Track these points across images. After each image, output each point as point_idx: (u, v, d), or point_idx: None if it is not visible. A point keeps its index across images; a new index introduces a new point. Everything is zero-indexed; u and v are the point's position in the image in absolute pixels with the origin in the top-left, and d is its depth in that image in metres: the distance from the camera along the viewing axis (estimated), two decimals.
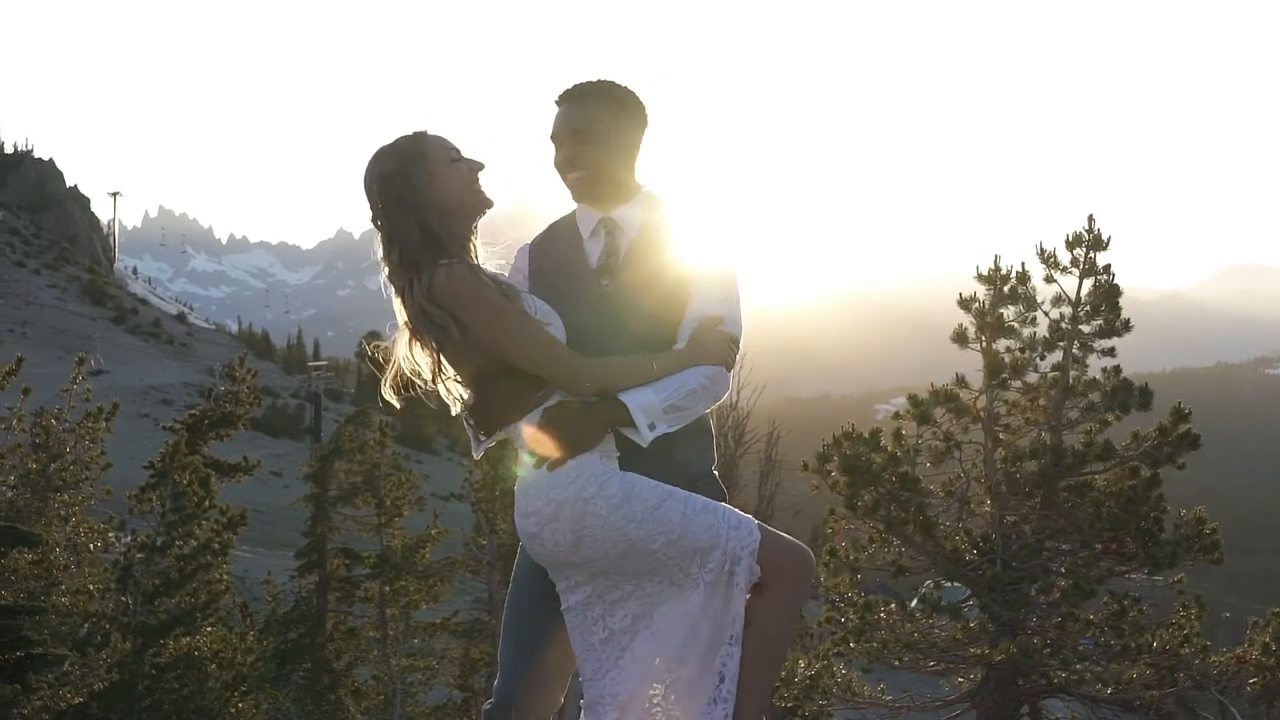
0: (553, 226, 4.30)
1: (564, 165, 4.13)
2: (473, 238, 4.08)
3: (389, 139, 4.04)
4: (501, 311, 3.80)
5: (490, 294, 3.82)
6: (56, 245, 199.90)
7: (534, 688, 4.19)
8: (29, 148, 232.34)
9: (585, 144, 4.07)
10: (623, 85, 4.16)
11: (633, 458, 3.92)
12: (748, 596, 3.87)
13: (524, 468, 3.95)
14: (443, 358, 3.94)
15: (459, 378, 3.99)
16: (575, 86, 4.13)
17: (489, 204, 4.08)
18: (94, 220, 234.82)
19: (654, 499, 3.81)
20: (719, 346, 4.04)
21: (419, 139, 3.99)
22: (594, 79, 4.15)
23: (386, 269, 4.03)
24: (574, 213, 4.27)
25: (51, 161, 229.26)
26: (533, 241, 4.30)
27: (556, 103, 4.15)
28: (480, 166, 4.05)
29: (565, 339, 3.92)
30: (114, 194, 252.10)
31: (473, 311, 3.78)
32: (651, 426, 3.86)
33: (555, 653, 4.20)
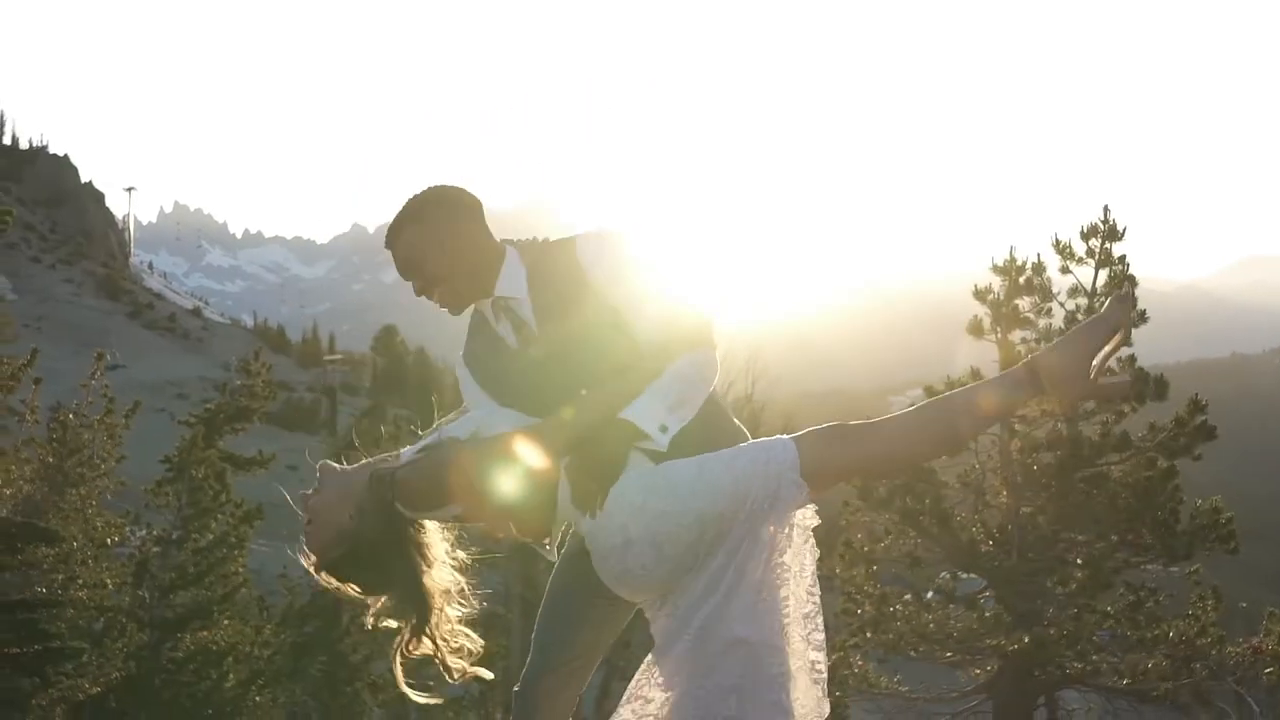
0: (469, 335, 4.32)
1: (421, 293, 4.17)
2: None
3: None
4: (439, 482, 3.84)
5: (412, 477, 3.87)
6: (72, 241, 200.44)
7: (560, 679, 4.25)
8: (44, 143, 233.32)
9: (421, 271, 4.09)
10: (426, 192, 4.17)
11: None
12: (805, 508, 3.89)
13: (583, 528, 3.92)
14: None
15: (490, 527, 4.01)
16: (390, 226, 4.16)
17: None
18: (109, 216, 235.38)
19: (693, 468, 3.81)
20: (684, 333, 4.02)
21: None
22: (403, 205, 4.15)
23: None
24: (473, 310, 4.27)
25: (66, 157, 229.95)
26: (463, 355, 4.31)
27: (386, 246, 4.20)
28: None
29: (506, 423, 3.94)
30: (129, 189, 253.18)
31: (418, 491, 3.86)
32: (664, 429, 3.86)
33: (591, 639, 4.28)
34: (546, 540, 4.02)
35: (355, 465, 4.05)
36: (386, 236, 4.14)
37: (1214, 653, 14.45)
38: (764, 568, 3.83)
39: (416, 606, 3.95)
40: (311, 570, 3.96)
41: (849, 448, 3.93)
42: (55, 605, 12.39)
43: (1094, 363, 3.79)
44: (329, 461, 4.06)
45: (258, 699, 17.98)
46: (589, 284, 4.04)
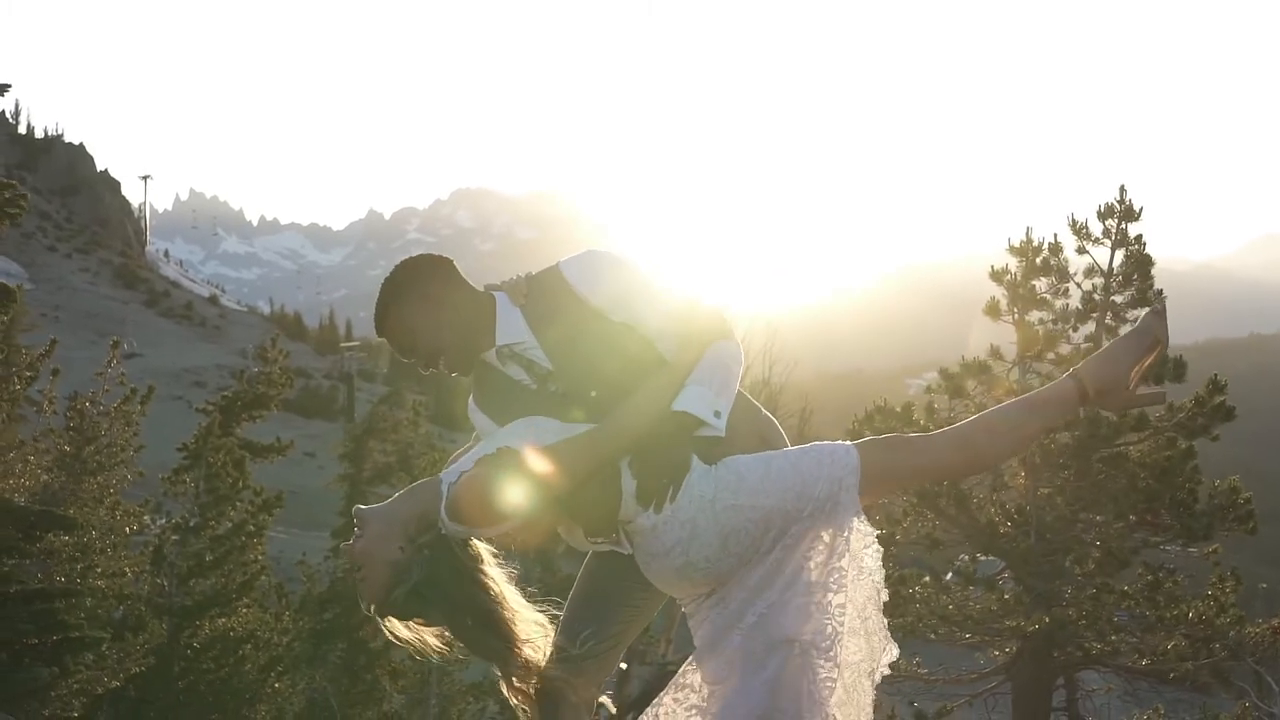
0: (476, 384, 4.29)
1: (426, 369, 4.18)
2: None
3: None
4: (533, 466, 3.76)
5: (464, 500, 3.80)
6: (88, 229, 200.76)
7: (596, 656, 4.25)
8: (59, 132, 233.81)
9: (417, 349, 4.11)
10: (397, 272, 4.18)
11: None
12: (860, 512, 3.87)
13: (637, 527, 3.91)
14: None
15: (553, 529, 4.02)
16: (375, 316, 4.16)
17: None
18: (125, 204, 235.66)
19: (761, 465, 3.84)
20: (706, 323, 4.03)
21: None
22: (380, 291, 4.16)
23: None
24: (482, 359, 4.24)
25: (82, 146, 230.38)
26: (474, 404, 4.28)
27: (379, 337, 4.22)
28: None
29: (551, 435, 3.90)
30: (145, 177, 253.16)
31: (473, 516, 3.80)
32: (717, 414, 3.89)
33: (623, 625, 4.30)
34: (613, 536, 3.98)
35: (392, 499, 4.00)
36: (375, 325, 4.17)
37: (1233, 633, 14.43)
38: (820, 570, 3.87)
39: (499, 631, 3.90)
40: (380, 624, 3.92)
41: (910, 458, 3.99)
42: (74, 595, 12.39)
43: (1133, 374, 3.87)
44: (361, 506, 3.99)
45: (276, 686, 18.02)
46: (589, 304, 4.04)
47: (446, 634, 3.94)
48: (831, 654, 3.85)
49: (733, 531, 3.77)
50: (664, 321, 4.03)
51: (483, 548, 3.93)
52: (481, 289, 4.21)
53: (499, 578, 3.94)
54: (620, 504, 3.85)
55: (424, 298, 4.10)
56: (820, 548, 3.85)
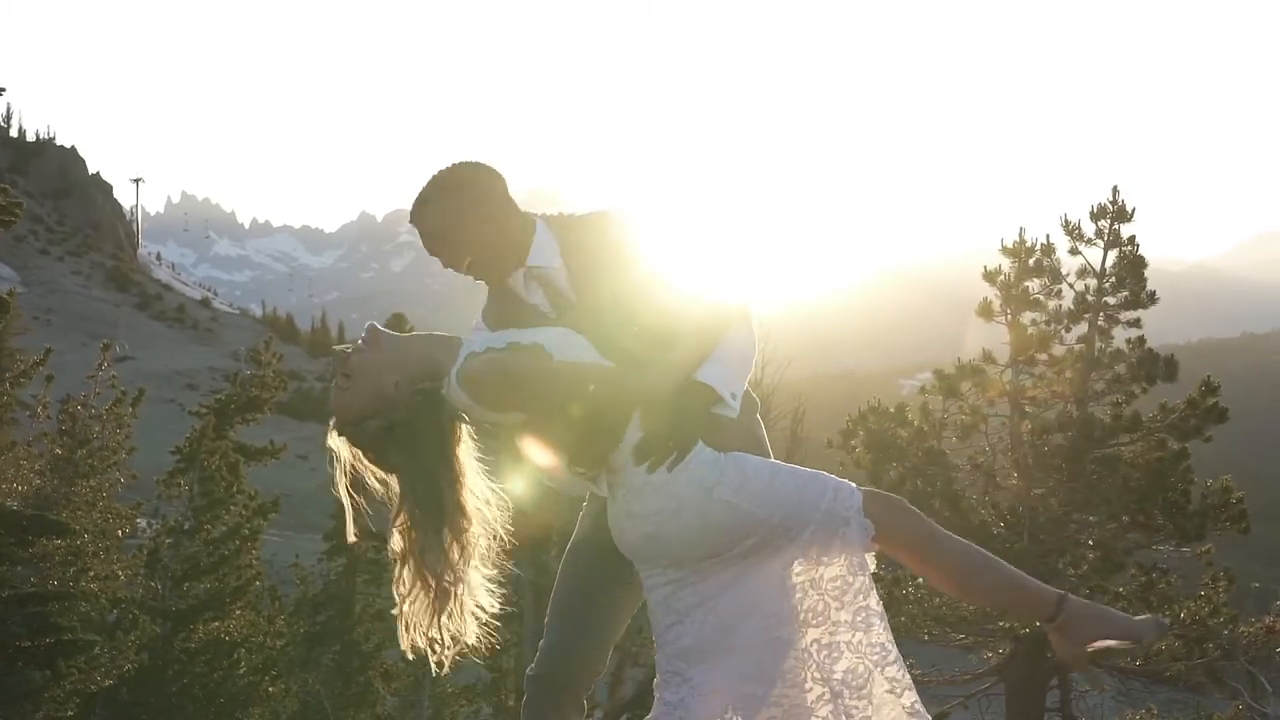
0: (490, 303, 4.25)
1: (451, 266, 4.13)
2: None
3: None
4: (558, 373, 3.73)
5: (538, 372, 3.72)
6: (80, 232, 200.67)
7: (577, 658, 4.25)
8: (51, 135, 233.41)
9: (449, 243, 4.06)
10: (451, 167, 4.14)
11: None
12: (871, 554, 3.86)
13: (624, 478, 3.89)
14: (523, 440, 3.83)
15: (539, 442, 3.89)
16: (416, 200, 4.13)
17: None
18: (117, 207, 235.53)
19: (767, 473, 3.80)
20: (732, 307, 4.02)
21: None
22: (429, 180, 4.12)
23: None
24: (502, 284, 4.21)
25: (73, 149, 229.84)
26: (483, 316, 4.23)
27: (411, 223, 4.17)
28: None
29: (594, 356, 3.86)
30: (136, 180, 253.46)
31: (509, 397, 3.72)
32: (734, 395, 3.89)
33: (600, 627, 4.26)
34: (597, 475, 3.91)
35: (410, 335, 3.96)
36: (412, 211, 4.12)
37: (1226, 633, 14.45)
38: (848, 609, 3.84)
39: (441, 510, 3.80)
40: (331, 430, 3.81)
41: (908, 530, 3.93)
42: (67, 598, 12.40)
43: (1099, 642, 3.83)
44: (376, 324, 3.92)
45: (270, 689, 18.03)
46: (626, 255, 4.05)
47: (383, 482, 3.85)
48: (865, 692, 3.82)
49: (716, 525, 3.73)
50: (693, 289, 4.01)
51: (467, 432, 3.87)
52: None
53: (469, 470, 3.86)
54: (617, 448, 3.81)
55: (473, 193, 4.08)
56: (836, 580, 3.83)
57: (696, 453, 3.76)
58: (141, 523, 19.18)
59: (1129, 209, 15.12)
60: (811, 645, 3.84)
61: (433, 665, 3.90)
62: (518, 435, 3.82)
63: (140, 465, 18.25)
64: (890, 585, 15.11)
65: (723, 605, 3.81)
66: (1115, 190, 15.28)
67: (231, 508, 17.36)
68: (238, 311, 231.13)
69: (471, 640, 3.88)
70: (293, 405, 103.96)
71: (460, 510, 3.83)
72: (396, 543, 3.87)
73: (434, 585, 3.82)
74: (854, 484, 3.89)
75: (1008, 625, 14.74)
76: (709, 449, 3.78)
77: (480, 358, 3.70)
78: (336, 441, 3.82)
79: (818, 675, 3.83)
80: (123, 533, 17.39)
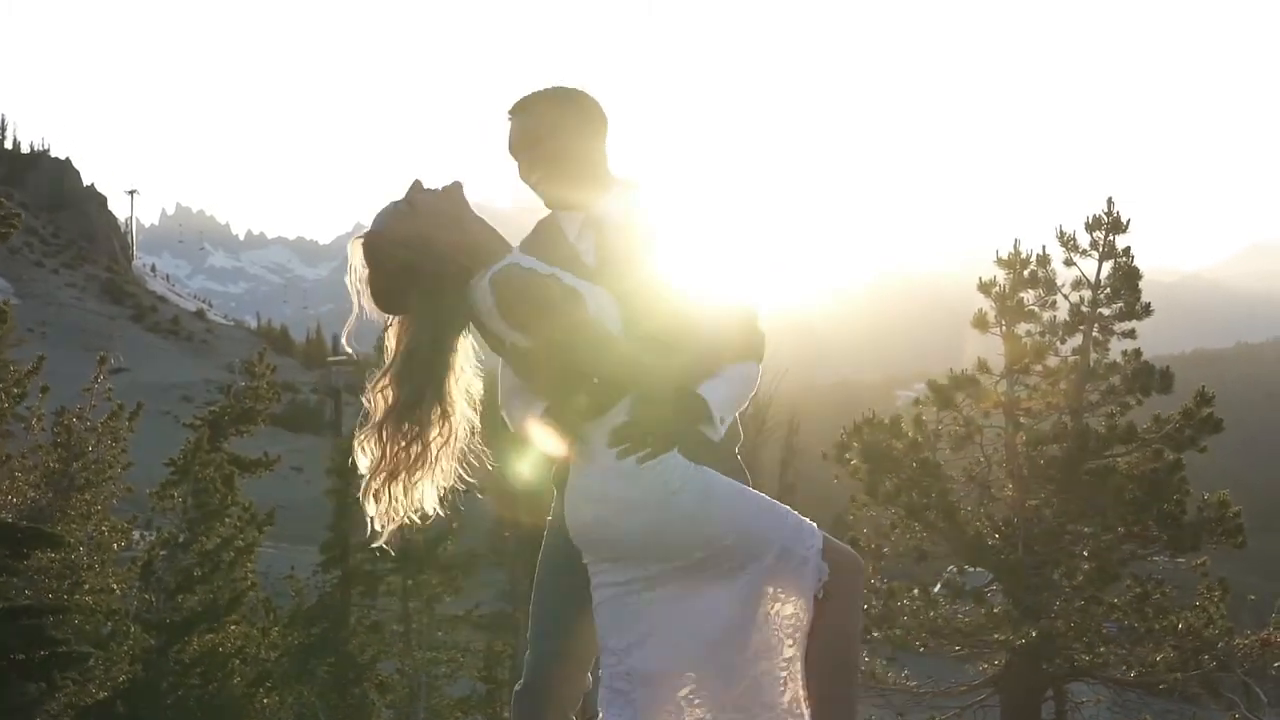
0: (538, 229, 4.22)
1: (525, 173, 4.10)
2: None
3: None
4: (584, 324, 3.70)
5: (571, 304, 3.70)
6: (75, 244, 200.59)
7: (565, 669, 4.21)
8: (46, 147, 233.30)
9: (536, 147, 4.02)
10: (569, 86, 4.13)
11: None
12: (816, 598, 3.82)
13: (593, 456, 3.89)
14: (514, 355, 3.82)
15: (531, 377, 3.90)
16: (523, 97, 4.10)
17: None
18: (111, 219, 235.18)
19: (731, 495, 3.80)
20: (753, 339, 4.04)
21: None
22: (544, 86, 4.12)
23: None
24: (554, 215, 4.20)
25: (68, 161, 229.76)
26: (521, 244, 4.14)
27: (508, 117, 4.11)
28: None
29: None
30: (131, 192, 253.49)
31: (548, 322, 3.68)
32: (721, 421, 3.87)
33: (586, 634, 4.18)
34: (568, 439, 3.89)
35: (475, 217, 3.90)
36: (515, 104, 4.09)
37: (1222, 644, 14.45)
38: (746, 630, 3.84)
39: (435, 377, 3.79)
40: (359, 238, 3.82)
41: (852, 593, 3.90)
42: (61, 611, 12.38)
43: None
44: (462, 184, 3.94)
45: (265, 701, 17.99)
46: (682, 247, 4.04)
47: (379, 322, 3.85)
48: (800, 713, 3.85)
49: (668, 530, 3.73)
50: (727, 311, 4.02)
51: (472, 346, 3.89)
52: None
53: (464, 366, 3.86)
54: (598, 420, 3.81)
55: (584, 113, 4.09)
56: (790, 617, 3.82)
57: (670, 456, 3.75)
58: (136, 535, 19.15)
59: (1123, 220, 15.15)
60: (762, 676, 3.84)
61: (377, 524, 3.84)
62: (516, 360, 3.82)
63: (135, 477, 18.20)
64: (886, 597, 15.11)
65: (675, 631, 3.82)
66: (1110, 202, 15.31)
67: (226, 520, 17.32)
68: (232, 323, 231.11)
69: (429, 509, 3.85)
70: (287, 417, 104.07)
71: (448, 384, 3.82)
72: (377, 404, 3.81)
73: (409, 440, 3.80)
74: (816, 526, 3.88)
75: (1003, 637, 14.73)
76: (681, 457, 3.77)
77: (523, 271, 3.70)
78: (358, 249, 3.81)
79: (764, 702, 3.83)
80: (118, 546, 17.36)
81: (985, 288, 15.58)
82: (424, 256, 3.74)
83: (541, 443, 3.87)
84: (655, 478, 3.73)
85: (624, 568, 3.85)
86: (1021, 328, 15.33)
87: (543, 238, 4.16)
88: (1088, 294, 15.18)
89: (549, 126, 4.01)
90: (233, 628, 17.41)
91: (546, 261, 3.88)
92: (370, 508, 3.81)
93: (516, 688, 4.29)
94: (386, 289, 3.81)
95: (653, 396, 3.80)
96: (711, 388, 3.87)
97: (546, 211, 4.20)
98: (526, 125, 4.03)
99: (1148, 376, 14.53)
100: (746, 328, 4.03)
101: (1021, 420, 15.19)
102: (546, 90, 4.09)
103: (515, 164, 4.12)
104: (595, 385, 3.78)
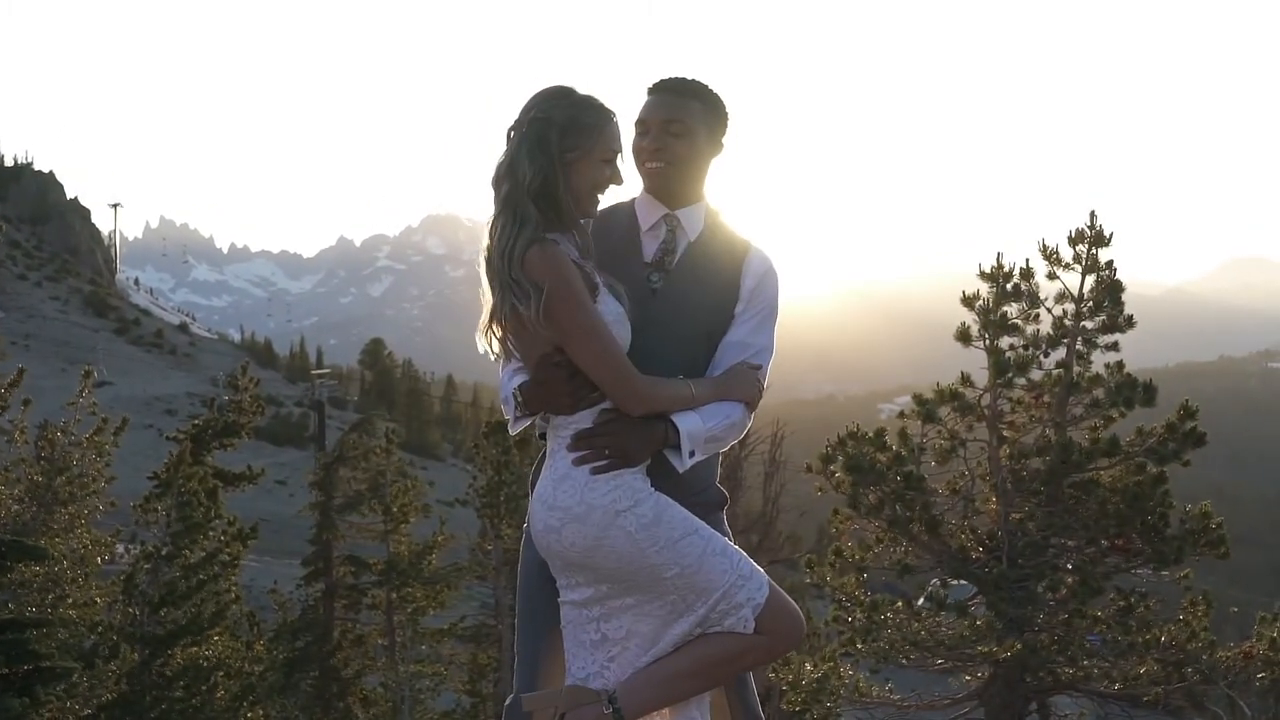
0: (611, 210, 4.23)
1: (646, 152, 4.12)
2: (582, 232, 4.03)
3: (586, 90, 4.02)
4: (582, 307, 3.75)
5: (577, 285, 3.76)
6: (58, 257, 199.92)
7: (554, 682, 4.17)
8: (29, 160, 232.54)
9: (675, 137, 4.07)
10: (717, 92, 4.17)
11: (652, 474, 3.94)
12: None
13: (554, 460, 3.93)
14: (510, 326, 3.88)
15: (518, 351, 3.95)
16: (676, 79, 4.14)
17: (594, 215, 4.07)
18: (95, 232, 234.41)
19: (680, 529, 3.82)
20: (752, 384, 4.07)
21: (605, 117, 3.97)
22: (703, 84, 4.16)
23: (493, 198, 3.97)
24: (634, 201, 4.25)
25: (51, 174, 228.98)
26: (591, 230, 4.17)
27: (651, 90, 4.14)
28: (619, 181, 4.02)
29: (627, 346, 3.88)
30: (114, 205, 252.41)
31: (553, 297, 3.71)
32: (691, 454, 3.89)
33: None
34: (539, 421, 4.00)
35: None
36: (678, 83, 4.14)
37: (1205, 657, 14.47)
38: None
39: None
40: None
41: (776, 652, 4.04)
42: (45, 624, 12.35)
43: None
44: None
45: (249, 715, 17.98)
46: (733, 288, 4.14)
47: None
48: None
49: (609, 550, 3.76)
50: (733, 343, 4.12)
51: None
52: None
53: None
54: (567, 416, 3.87)
55: (719, 124, 4.18)
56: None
57: (628, 473, 3.79)
58: (120, 548, 19.12)
59: (1106, 234, 15.16)
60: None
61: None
62: (523, 321, 3.83)
63: (118, 490, 18.20)
64: (868, 610, 15.11)
65: (634, 660, 3.89)
66: (1093, 215, 15.32)
67: (209, 533, 17.32)
68: (216, 337, 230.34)
69: None
70: (270, 430, 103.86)
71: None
72: None
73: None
74: (767, 581, 3.93)
75: (986, 650, 14.74)
76: (638, 478, 3.81)
77: (564, 257, 3.81)
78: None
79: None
80: (102, 559, 17.33)
81: (969, 301, 15.59)
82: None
83: (585, 444, 3.87)
84: (604, 494, 3.78)
85: (579, 587, 3.92)
86: (1005, 341, 15.34)
87: (613, 218, 4.23)
88: (1071, 307, 15.19)
89: (692, 126, 4.09)
90: (216, 640, 17.41)
91: (608, 242, 4.08)
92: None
93: (507, 702, 4.28)
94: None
95: (629, 410, 3.84)
96: (687, 418, 3.89)
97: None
98: (671, 111, 4.09)
99: (1131, 390, 14.54)
100: (746, 372, 4.09)
101: (1005, 434, 15.19)
102: (702, 87, 4.15)
103: (634, 132, 4.17)
104: (577, 376, 3.82)
